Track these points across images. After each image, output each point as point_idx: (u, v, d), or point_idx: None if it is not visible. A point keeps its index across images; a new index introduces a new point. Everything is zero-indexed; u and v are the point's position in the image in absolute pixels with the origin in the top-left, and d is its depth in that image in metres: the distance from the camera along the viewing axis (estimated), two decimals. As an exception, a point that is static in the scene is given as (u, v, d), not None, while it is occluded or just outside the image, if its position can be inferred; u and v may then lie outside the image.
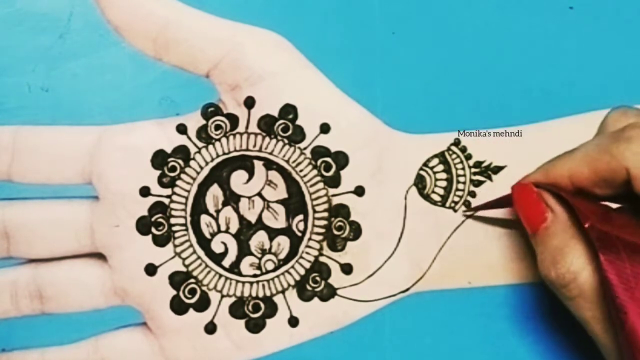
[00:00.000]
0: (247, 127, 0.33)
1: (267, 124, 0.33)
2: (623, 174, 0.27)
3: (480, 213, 0.34)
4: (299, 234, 0.34)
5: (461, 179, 0.34)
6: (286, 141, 0.33)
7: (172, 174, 0.33)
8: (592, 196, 0.29)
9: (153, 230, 0.33)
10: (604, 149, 0.28)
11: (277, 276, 0.34)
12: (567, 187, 0.29)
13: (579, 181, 0.29)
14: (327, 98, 0.34)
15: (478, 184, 0.34)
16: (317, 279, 0.34)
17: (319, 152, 0.34)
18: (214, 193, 0.33)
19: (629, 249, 0.27)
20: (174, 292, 0.33)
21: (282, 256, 0.34)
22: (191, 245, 0.33)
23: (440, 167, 0.34)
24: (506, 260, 0.34)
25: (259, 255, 0.34)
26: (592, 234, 0.27)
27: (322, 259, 0.34)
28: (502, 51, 0.35)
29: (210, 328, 0.33)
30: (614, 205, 0.30)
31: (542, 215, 0.30)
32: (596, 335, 0.28)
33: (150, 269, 0.33)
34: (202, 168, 0.33)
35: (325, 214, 0.34)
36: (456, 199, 0.34)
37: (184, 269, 0.33)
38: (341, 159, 0.34)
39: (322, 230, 0.34)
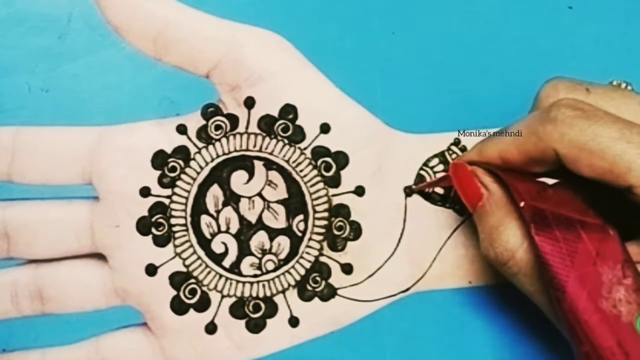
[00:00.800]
0: (247, 127, 0.33)
1: (267, 124, 0.33)
2: (552, 154, 0.27)
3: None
4: (299, 234, 0.34)
5: (461, 178, 0.34)
6: (286, 141, 0.33)
7: (172, 175, 0.33)
8: (528, 173, 0.29)
9: (153, 230, 0.33)
10: (531, 130, 0.28)
11: (278, 276, 0.34)
12: (499, 166, 0.29)
13: (510, 161, 0.29)
14: (327, 98, 0.34)
15: (478, 183, 0.34)
16: (318, 279, 0.34)
17: (319, 152, 0.34)
18: (214, 193, 0.33)
19: (564, 226, 0.27)
20: (175, 293, 0.33)
21: (282, 256, 0.34)
22: (191, 246, 0.33)
23: (441, 167, 0.34)
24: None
25: (260, 256, 0.34)
26: (526, 213, 0.27)
27: (322, 259, 0.34)
28: (501, 51, 0.35)
29: (211, 328, 0.33)
30: (551, 181, 0.30)
31: (478, 193, 0.30)
32: (542, 305, 0.28)
33: (151, 269, 0.33)
34: (202, 168, 0.33)
35: (326, 214, 0.34)
36: (456, 198, 0.34)
37: (184, 270, 0.33)
38: (341, 159, 0.34)
39: (323, 230, 0.34)
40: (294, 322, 0.34)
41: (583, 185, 0.28)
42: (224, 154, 0.33)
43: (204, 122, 0.33)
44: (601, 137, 0.26)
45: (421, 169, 0.34)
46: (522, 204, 0.28)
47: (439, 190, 0.34)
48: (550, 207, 0.27)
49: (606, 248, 0.26)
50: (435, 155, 0.34)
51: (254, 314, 0.34)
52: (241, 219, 0.34)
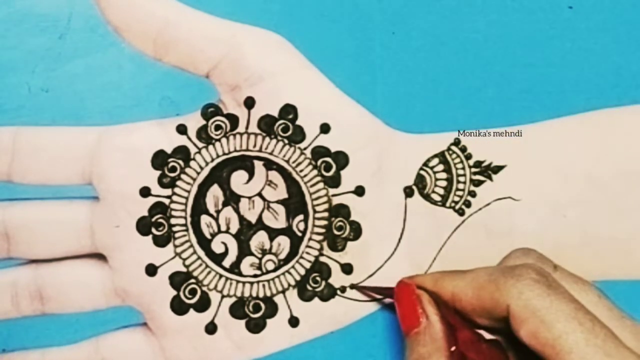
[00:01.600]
0: (247, 128, 0.33)
1: (267, 124, 0.33)
2: (503, 309, 0.27)
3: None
4: (299, 234, 0.34)
5: (461, 178, 0.34)
6: (286, 141, 0.33)
7: (172, 175, 0.33)
8: (470, 320, 0.29)
9: (153, 230, 0.33)
10: (492, 279, 0.28)
11: (278, 276, 0.34)
12: (448, 303, 0.30)
13: (461, 302, 0.29)
14: (327, 98, 0.34)
15: (478, 183, 0.34)
16: (318, 279, 0.34)
17: (319, 152, 0.34)
18: (214, 193, 0.33)
19: None
20: (175, 293, 0.33)
21: (282, 256, 0.34)
22: (191, 246, 0.33)
23: (441, 167, 0.34)
24: (506, 260, 0.34)
25: (260, 256, 0.34)
26: (454, 359, 0.28)
27: (322, 259, 0.34)
28: (502, 51, 0.35)
29: (211, 328, 0.33)
30: (488, 336, 0.30)
31: (417, 319, 0.30)
32: None
33: (151, 270, 0.33)
34: (202, 168, 0.33)
35: (326, 214, 0.34)
36: (456, 198, 0.34)
37: (184, 270, 0.33)
38: (341, 159, 0.34)
39: (323, 230, 0.34)
40: (294, 322, 0.34)
41: (516, 353, 0.29)
42: (224, 154, 0.33)
43: (204, 122, 0.33)
44: (556, 309, 0.26)
45: (421, 169, 0.34)
46: (453, 348, 0.28)
47: (439, 190, 0.34)
48: None
49: None
50: (435, 155, 0.34)
51: (254, 314, 0.34)
52: (241, 219, 0.34)
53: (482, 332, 0.30)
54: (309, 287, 0.34)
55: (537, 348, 0.26)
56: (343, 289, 0.34)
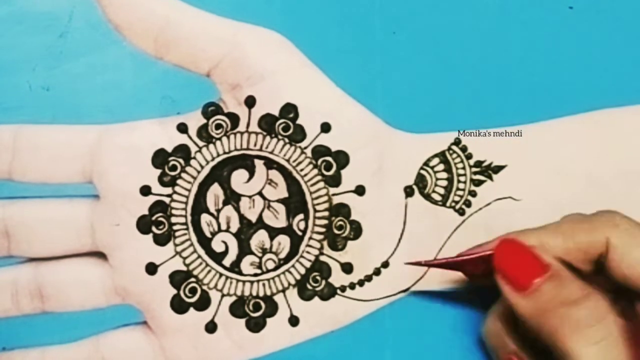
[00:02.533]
0: (247, 126, 0.33)
1: (267, 123, 0.33)
2: (602, 243, 0.27)
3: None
4: (300, 233, 0.34)
5: (462, 178, 0.34)
6: (287, 140, 0.33)
7: (172, 173, 0.33)
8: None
9: (153, 229, 0.33)
10: (585, 219, 0.28)
11: (278, 275, 0.34)
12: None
13: (552, 251, 0.29)
14: (327, 97, 0.34)
15: (478, 183, 0.34)
16: (318, 278, 0.34)
17: (320, 151, 0.34)
18: (215, 192, 0.33)
19: None
20: (175, 291, 0.33)
21: (282, 255, 0.34)
22: (192, 245, 0.33)
23: (441, 167, 0.34)
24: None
25: (260, 255, 0.34)
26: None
27: (322, 258, 0.34)
28: (502, 51, 0.35)
29: (211, 327, 0.33)
30: None
31: (542, 266, 0.28)
32: None
33: (151, 268, 0.33)
34: (202, 167, 0.33)
35: (326, 213, 0.34)
36: (457, 198, 0.34)
37: (184, 268, 0.33)
38: (342, 158, 0.34)
39: (323, 230, 0.34)
40: (294, 321, 0.34)
41: None
42: (224, 152, 0.33)
43: (204, 121, 0.33)
44: None
45: (422, 168, 0.34)
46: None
47: (440, 189, 0.34)
48: None
49: None
50: (436, 155, 0.34)
51: (254, 313, 0.34)
52: (241, 217, 0.34)
53: None
54: (309, 287, 0.34)
55: (632, 282, 0.27)
56: (343, 289, 0.34)
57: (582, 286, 0.28)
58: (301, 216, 0.34)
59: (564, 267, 0.28)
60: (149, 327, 0.33)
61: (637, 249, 0.27)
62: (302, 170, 0.34)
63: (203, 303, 0.33)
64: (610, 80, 0.35)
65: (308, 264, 0.34)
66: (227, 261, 0.34)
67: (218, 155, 0.33)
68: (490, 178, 0.34)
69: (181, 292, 0.33)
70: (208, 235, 0.33)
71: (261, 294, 0.34)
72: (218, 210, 0.33)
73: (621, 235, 0.27)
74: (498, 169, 0.34)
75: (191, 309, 0.33)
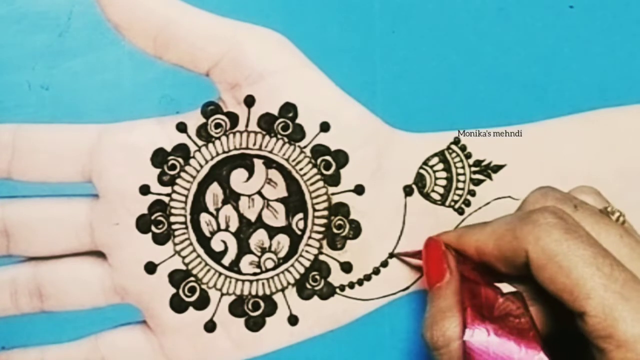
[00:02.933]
0: (247, 126, 0.33)
1: (267, 123, 0.33)
2: (523, 256, 0.27)
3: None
4: (299, 233, 0.34)
5: (461, 177, 0.34)
6: (286, 140, 0.33)
7: (172, 172, 0.33)
8: (495, 272, 0.29)
9: (153, 228, 0.33)
10: (510, 228, 0.28)
11: (277, 274, 0.34)
12: (472, 257, 0.30)
13: (484, 254, 0.29)
14: (327, 97, 0.34)
15: (478, 182, 0.34)
16: (317, 277, 0.34)
17: (319, 150, 0.34)
18: (214, 191, 0.33)
19: (497, 343, 0.27)
20: (174, 291, 0.33)
21: (281, 254, 0.34)
22: (191, 244, 0.33)
23: (440, 166, 0.34)
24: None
25: (259, 254, 0.34)
26: (467, 317, 0.27)
27: (321, 257, 0.34)
28: (502, 50, 0.35)
29: (210, 326, 0.33)
30: (507, 289, 0.30)
31: (442, 274, 0.30)
32: None
33: (150, 267, 0.33)
34: (202, 166, 0.33)
35: (325, 213, 0.34)
36: (456, 197, 0.34)
37: (183, 267, 0.33)
38: (341, 158, 0.34)
39: (322, 229, 0.34)
40: (293, 320, 0.34)
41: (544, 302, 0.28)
42: (223, 152, 0.33)
43: (203, 120, 0.33)
44: (574, 255, 0.26)
45: (421, 167, 0.34)
46: (467, 305, 0.28)
47: (439, 189, 0.34)
48: (491, 321, 0.28)
49: None
50: (435, 154, 0.34)
51: (253, 312, 0.34)
52: (241, 217, 0.34)
53: (502, 285, 0.30)
54: (308, 286, 0.34)
55: (556, 294, 0.26)
56: (342, 288, 0.34)
57: (456, 302, 0.29)
58: (300, 215, 0.34)
59: (457, 280, 0.29)
60: (148, 326, 0.33)
61: (552, 267, 0.26)
62: (301, 169, 0.34)
63: (202, 302, 0.33)
64: (610, 80, 0.35)
65: (307, 264, 0.34)
66: (227, 260, 0.34)
67: (217, 154, 0.33)
68: (490, 177, 0.34)
69: (180, 291, 0.33)
70: (207, 234, 0.33)
71: (260, 293, 0.34)
72: (217, 210, 0.33)
73: (538, 252, 0.27)
74: (497, 168, 0.34)
75: (190, 308, 0.33)
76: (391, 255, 0.34)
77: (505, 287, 0.30)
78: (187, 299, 0.33)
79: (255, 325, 0.34)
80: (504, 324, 0.28)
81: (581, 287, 0.25)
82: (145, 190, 0.33)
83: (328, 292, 0.34)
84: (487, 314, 0.28)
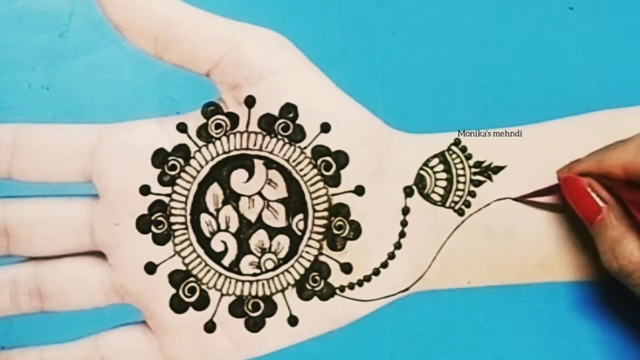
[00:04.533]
0: (247, 126, 0.33)
1: (267, 123, 0.33)
2: None
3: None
4: (299, 233, 0.34)
5: (461, 178, 0.34)
6: (286, 140, 0.33)
7: (172, 173, 0.33)
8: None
9: (153, 228, 0.33)
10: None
11: (277, 275, 0.34)
12: (620, 178, 0.30)
13: (635, 171, 0.29)
14: (327, 97, 0.34)
15: (478, 183, 0.34)
16: (317, 278, 0.34)
17: (319, 151, 0.34)
18: (214, 192, 0.33)
19: None
20: (174, 291, 0.33)
21: (281, 255, 0.34)
22: (191, 244, 0.33)
23: (441, 167, 0.34)
24: (506, 260, 0.34)
25: (259, 254, 0.34)
26: None
27: (321, 258, 0.34)
28: (502, 51, 0.35)
29: (210, 327, 0.33)
30: None
31: (595, 207, 0.30)
32: None
33: (150, 268, 0.33)
34: (202, 167, 0.33)
35: (325, 213, 0.34)
36: (456, 198, 0.34)
37: (183, 268, 0.33)
38: (341, 159, 0.34)
39: (322, 230, 0.34)
40: (293, 321, 0.34)
41: None
42: (224, 152, 0.33)
43: (204, 120, 0.33)
44: None
45: (421, 168, 0.34)
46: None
47: (439, 190, 0.34)
48: None
49: None
50: (436, 155, 0.34)
51: (253, 312, 0.34)
52: (241, 217, 0.34)
53: None
54: (308, 286, 0.34)
55: None
56: (342, 289, 0.34)
57: (626, 227, 0.29)
58: (300, 216, 0.34)
59: (616, 206, 0.30)
60: (148, 326, 0.33)
61: None
62: (301, 170, 0.34)
63: (202, 302, 0.33)
64: (610, 81, 0.35)
65: (307, 264, 0.34)
66: (227, 261, 0.34)
67: (217, 155, 0.33)
68: (490, 179, 0.34)
69: (180, 292, 0.33)
70: (207, 234, 0.33)
71: (260, 293, 0.34)
72: (217, 210, 0.33)
73: None
74: (498, 169, 0.34)
75: (190, 309, 0.33)
76: (516, 199, 0.34)
77: None
78: (187, 300, 0.33)
79: (255, 325, 0.34)
80: None
81: None
82: (145, 190, 0.33)
83: (328, 292, 0.34)
84: None
